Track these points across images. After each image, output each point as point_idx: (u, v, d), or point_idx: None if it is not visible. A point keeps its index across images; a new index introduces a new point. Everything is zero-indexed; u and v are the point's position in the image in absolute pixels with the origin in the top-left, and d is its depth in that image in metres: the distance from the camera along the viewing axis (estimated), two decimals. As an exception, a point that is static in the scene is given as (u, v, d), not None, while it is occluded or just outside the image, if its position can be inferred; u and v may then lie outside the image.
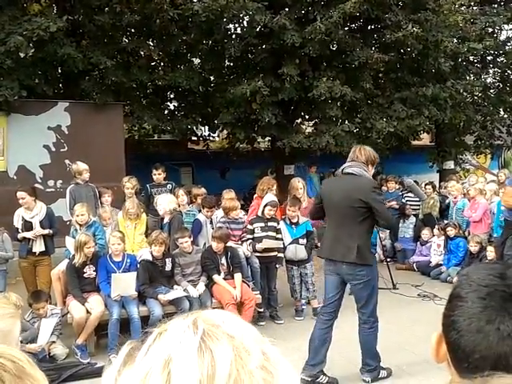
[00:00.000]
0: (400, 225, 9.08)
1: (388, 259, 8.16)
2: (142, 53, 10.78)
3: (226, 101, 10.43)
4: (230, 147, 12.52)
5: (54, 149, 9.12)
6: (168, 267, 5.66)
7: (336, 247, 4.20)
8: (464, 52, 11.29)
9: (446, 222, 8.66)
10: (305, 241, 6.26)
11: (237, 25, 10.94)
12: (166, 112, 11.72)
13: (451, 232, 8.09)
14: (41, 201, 6.16)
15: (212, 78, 11.80)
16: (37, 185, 8.27)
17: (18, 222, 5.90)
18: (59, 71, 10.14)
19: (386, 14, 10.27)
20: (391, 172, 11.67)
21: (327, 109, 10.26)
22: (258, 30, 10.33)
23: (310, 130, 12.06)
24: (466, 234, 8.31)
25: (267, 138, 12.53)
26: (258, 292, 5.89)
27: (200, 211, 6.68)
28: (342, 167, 4.34)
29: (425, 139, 15.10)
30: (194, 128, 11.87)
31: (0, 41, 8.26)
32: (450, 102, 11.27)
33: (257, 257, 6.13)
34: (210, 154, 13.29)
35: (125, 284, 5.31)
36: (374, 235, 6.52)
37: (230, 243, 5.95)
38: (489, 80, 14.05)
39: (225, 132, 12.70)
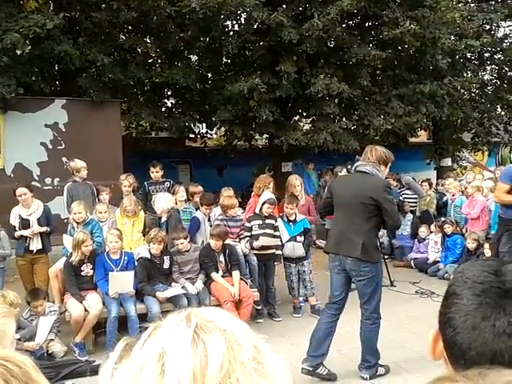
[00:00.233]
0: (398, 222, 9.08)
1: (386, 256, 8.18)
2: (139, 50, 10.76)
3: (223, 98, 10.41)
4: (227, 144, 12.50)
5: (51, 146, 9.10)
6: (166, 265, 5.66)
7: (342, 242, 4.27)
8: (461, 49, 11.29)
9: (443, 219, 8.67)
10: (302, 238, 6.26)
11: (234, 22, 10.93)
12: (163, 109, 11.71)
13: (448, 229, 8.11)
14: (38, 198, 6.15)
15: (209, 75, 11.78)
16: (34, 182, 8.26)
17: (15, 220, 5.89)
18: (56, 68, 10.10)
19: (383, 11, 10.26)
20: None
21: (325, 106, 10.26)
22: (255, 26, 10.31)
23: (307, 127, 12.05)
24: (464, 231, 8.33)
25: (265, 136, 12.51)
26: (256, 289, 5.89)
27: (197, 209, 6.68)
28: (354, 165, 4.43)
29: (422, 136, 15.12)
30: (192, 125, 11.85)
31: (-4, 38, 8.23)
32: (448, 98, 11.28)
33: (255, 254, 6.13)
34: (207, 152, 13.27)
35: (122, 282, 5.31)
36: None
37: (227, 241, 5.95)
38: (486, 77, 14.07)
39: (222, 129, 12.68)
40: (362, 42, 10.64)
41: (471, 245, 7.67)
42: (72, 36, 9.47)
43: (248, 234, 6.14)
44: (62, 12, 8.75)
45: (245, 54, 11.25)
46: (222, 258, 5.80)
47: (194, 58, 11.59)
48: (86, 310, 5.14)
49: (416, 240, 8.84)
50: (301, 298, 6.33)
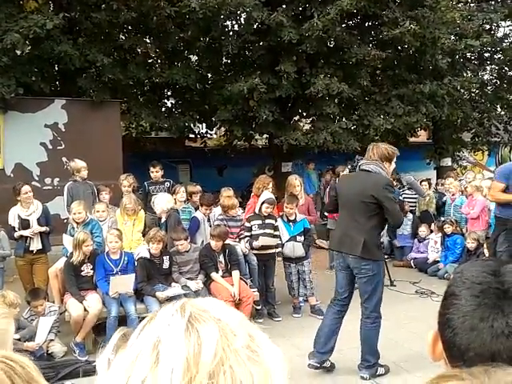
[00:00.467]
0: (398, 222, 9.08)
1: (386, 256, 8.16)
2: (139, 50, 10.76)
3: (223, 98, 10.41)
4: (227, 144, 12.50)
5: (50, 146, 9.10)
6: (166, 265, 5.66)
7: (344, 240, 4.33)
8: (461, 49, 11.28)
9: (442, 219, 8.67)
10: (302, 238, 6.26)
11: (234, 22, 10.93)
12: (163, 109, 11.70)
13: (448, 229, 8.11)
14: (37, 198, 6.16)
15: (209, 75, 11.78)
16: (34, 183, 8.26)
17: (14, 221, 5.88)
18: (56, 69, 10.10)
19: (383, 11, 10.26)
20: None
21: (324, 106, 10.25)
22: (255, 26, 10.31)
23: (307, 127, 12.05)
24: (464, 230, 8.32)
25: (265, 136, 12.51)
26: (256, 289, 5.90)
27: (196, 209, 6.69)
28: (359, 164, 4.46)
29: (422, 136, 15.11)
30: (192, 125, 11.85)
31: (-4, 38, 8.23)
32: (448, 98, 11.27)
33: (254, 254, 6.13)
34: (207, 152, 13.27)
35: (123, 285, 5.30)
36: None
37: (227, 241, 5.95)
38: (486, 77, 14.05)
39: (222, 129, 12.68)
40: (361, 42, 10.63)
41: (471, 244, 7.67)
42: (72, 36, 9.46)
43: (248, 233, 6.14)
44: (62, 12, 8.74)
45: (245, 54, 11.25)
46: (221, 258, 5.80)
47: (193, 58, 11.59)
48: (85, 309, 5.14)
49: (416, 240, 8.84)
50: (300, 298, 6.32)
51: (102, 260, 5.47)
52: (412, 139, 13.29)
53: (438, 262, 8.17)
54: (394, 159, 4.43)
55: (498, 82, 13.99)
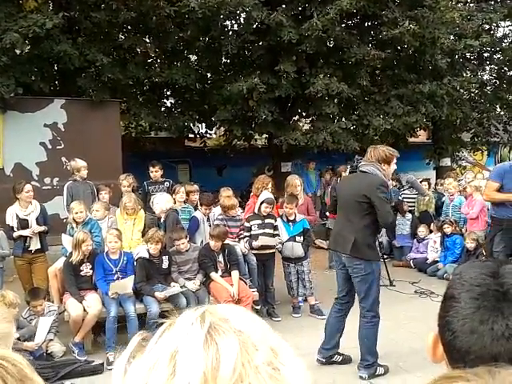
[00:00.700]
0: (397, 222, 9.09)
1: (385, 256, 8.18)
2: (139, 50, 10.74)
3: (222, 98, 10.40)
4: (226, 144, 12.49)
5: (50, 146, 9.09)
6: (165, 265, 5.66)
7: (338, 239, 4.45)
8: (461, 49, 11.28)
9: (442, 219, 8.68)
10: (302, 238, 6.26)
11: (233, 21, 10.92)
12: (162, 109, 11.69)
13: (448, 229, 8.11)
14: (37, 198, 6.16)
15: (209, 75, 11.77)
16: (33, 182, 8.23)
17: (12, 221, 5.86)
18: (55, 68, 10.09)
19: (382, 11, 10.26)
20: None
21: (324, 106, 10.25)
22: (254, 26, 10.31)
23: (306, 127, 12.05)
24: (463, 230, 8.33)
25: (264, 135, 12.50)
26: (255, 289, 5.90)
27: (194, 208, 6.69)
28: (358, 165, 4.56)
29: (421, 136, 15.10)
30: (191, 125, 11.85)
31: (-4, 38, 8.22)
32: (447, 98, 11.27)
33: (254, 254, 6.13)
34: (207, 152, 13.27)
35: (122, 288, 5.30)
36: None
37: (227, 240, 5.95)
38: (485, 77, 14.05)
39: (222, 129, 12.67)
40: (361, 42, 10.63)
41: (470, 245, 7.68)
42: (71, 36, 9.45)
43: (247, 233, 6.14)
44: (62, 12, 8.73)
45: (244, 53, 11.25)
46: (221, 258, 5.80)
47: (193, 57, 11.58)
48: (85, 309, 5.14)
49: (415, 240, 8.84)
50: (300, 298, 6.33)
51: (102, 260, 5.46)
52: (411, 139, 13.29)
53: (437, 262, 8.18)
54: (394, 161, 4.45)
55: (498, 82, 13.99)
